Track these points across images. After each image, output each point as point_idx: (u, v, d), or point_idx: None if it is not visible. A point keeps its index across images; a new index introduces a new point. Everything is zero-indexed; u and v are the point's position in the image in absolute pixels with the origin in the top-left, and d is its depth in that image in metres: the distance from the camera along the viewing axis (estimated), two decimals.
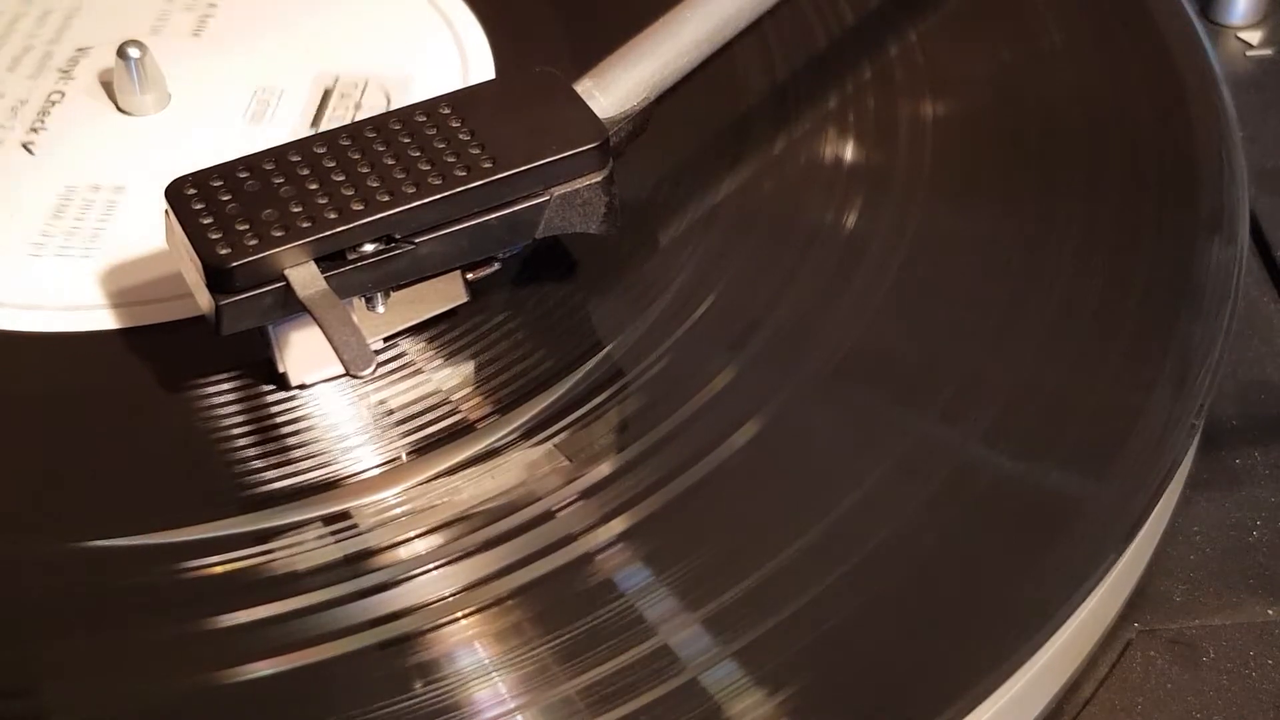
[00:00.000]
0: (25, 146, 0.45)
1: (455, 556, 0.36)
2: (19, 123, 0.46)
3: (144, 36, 0.47)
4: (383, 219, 0.37)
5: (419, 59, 0.48)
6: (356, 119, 0.43)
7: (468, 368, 0.40)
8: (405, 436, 0.38)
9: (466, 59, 0.48)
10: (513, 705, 0.33)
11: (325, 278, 0.37)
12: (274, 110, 0.47)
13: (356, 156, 0.38)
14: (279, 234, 0.37)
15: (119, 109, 0.47)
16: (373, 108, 0.46)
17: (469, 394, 0.39)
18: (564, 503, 0.37)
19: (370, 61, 0.48)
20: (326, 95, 0.47)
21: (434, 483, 0.37)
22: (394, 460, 0.38)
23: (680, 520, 0.36)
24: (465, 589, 0.35)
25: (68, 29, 0.49)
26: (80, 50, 0.49)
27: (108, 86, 0.47)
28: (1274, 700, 0.37)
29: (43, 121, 0.46)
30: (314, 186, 0.38)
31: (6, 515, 0.37)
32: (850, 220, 0.43)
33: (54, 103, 0.47)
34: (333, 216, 0.37)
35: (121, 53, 0.46)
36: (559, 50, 0.48)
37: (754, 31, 0.45)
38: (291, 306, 0.37)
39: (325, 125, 0.46)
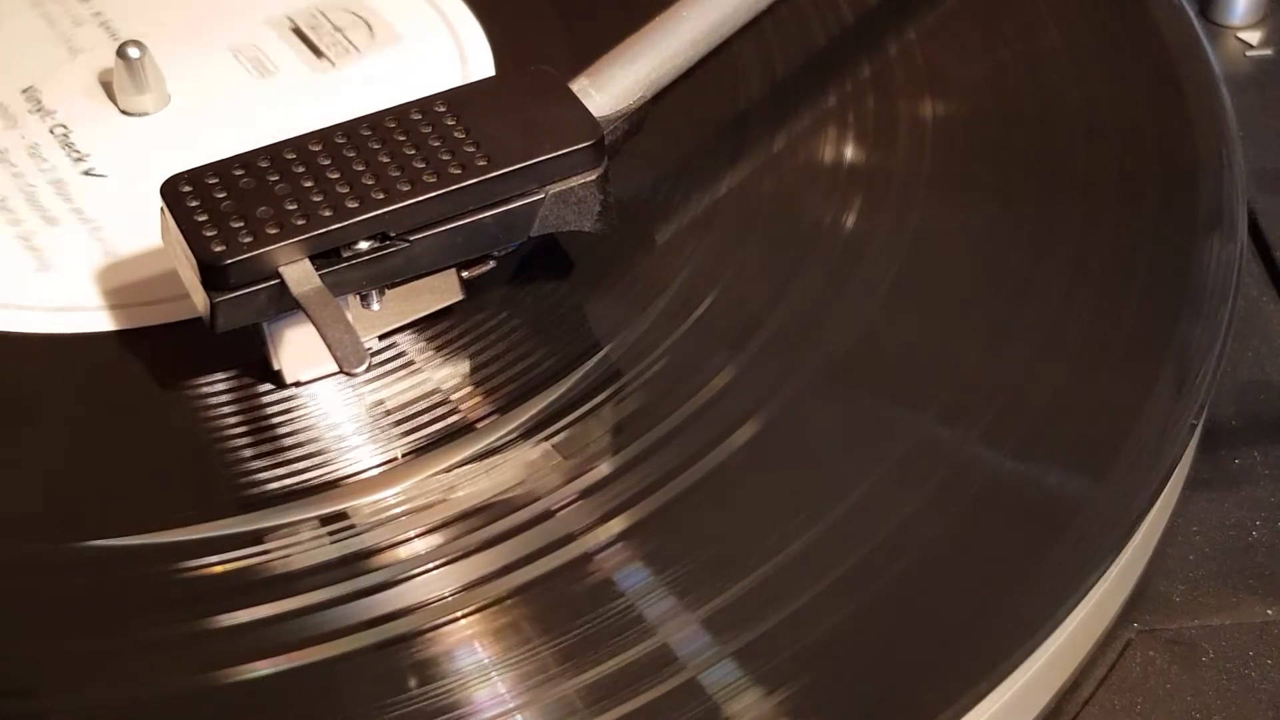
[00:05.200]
0: (88, 174, 0.44)
1: (454, 556, 0.36)
2: (54, 163, 0.45)
3: (67, 59, 0.46)
4: (377, 216, 0.37)
5: (417, 59, 0.48)
6: (351, 41, 0.42)
7: (465, 366, 0.40)
8: (404, 436, 0.38)
9: (466, 58, 0.48)
10: (512, 705, 0.33)
11: (319, 275, 0.37)
12: (269, 59, 0.46)
13: (351, 154, 0.38)
14: (273, 231, 0.37)
15: (124, 112, 0.46)
16: (348, 25, 0.46)
17: (467, 393, 0.39)
18: (564, 502, 0.37)
19: None
20: (299, 33, 0.46)
21: (432, 481, 0.37)
22: (392, 460, 0.38)
23: (680, 520, 0.36)
24: (464, 588, 0.35)
25: None
26: (26, 90, 0.47)
27: (108, 87, 0.47)
28: (1274, 700, 0.37)
29: (77, 150, 0.45)
30: (309, 184, 0.37)
31: (7, 515, 0.37)
32: (850, 220, 0.43)
33: (65, 133, 0.45)
34: (327, 214, 0.37)
35: (121, 53, 0.45)
36: (558, 49, 0.48)
37: (754, 31, 0.45)
38: (286, 304, 0.37)
39: (329, 53, 0.45)
